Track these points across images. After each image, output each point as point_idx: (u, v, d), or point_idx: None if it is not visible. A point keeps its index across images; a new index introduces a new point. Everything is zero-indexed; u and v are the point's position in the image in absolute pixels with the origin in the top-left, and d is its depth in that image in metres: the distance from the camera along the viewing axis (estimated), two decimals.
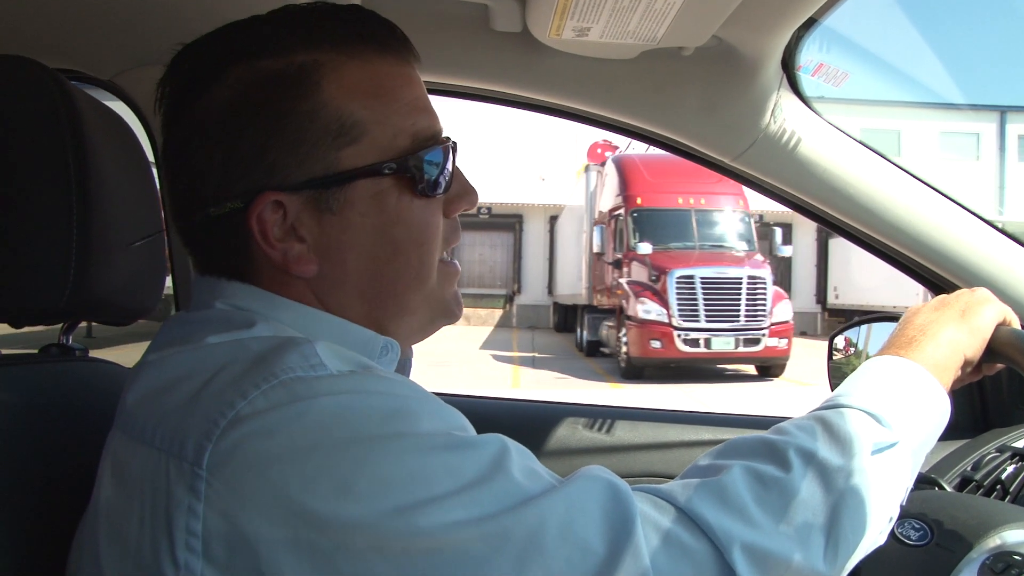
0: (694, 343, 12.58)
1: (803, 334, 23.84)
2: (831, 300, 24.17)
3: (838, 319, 23.84)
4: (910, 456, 0.78)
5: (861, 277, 21.87)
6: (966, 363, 0.87)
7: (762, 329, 12.17)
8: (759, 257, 13.53)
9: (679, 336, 12.47)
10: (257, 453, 0.60)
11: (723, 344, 12.49)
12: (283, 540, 0.58)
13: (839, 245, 23.30)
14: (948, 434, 1.58)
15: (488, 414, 1.71)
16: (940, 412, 0.82)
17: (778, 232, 15.33)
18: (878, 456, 0.74)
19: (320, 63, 0.74)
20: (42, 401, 0.87)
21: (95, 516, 0.68)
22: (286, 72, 0.73)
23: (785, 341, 12.30)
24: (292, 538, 0.58)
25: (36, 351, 1.03)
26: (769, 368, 12.87)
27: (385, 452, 0.61)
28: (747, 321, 12.43)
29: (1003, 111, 23.64)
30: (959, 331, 0.87)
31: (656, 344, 12.57)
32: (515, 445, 0.67)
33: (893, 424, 0.77)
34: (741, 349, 12.04)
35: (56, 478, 0.81)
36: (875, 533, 0.74)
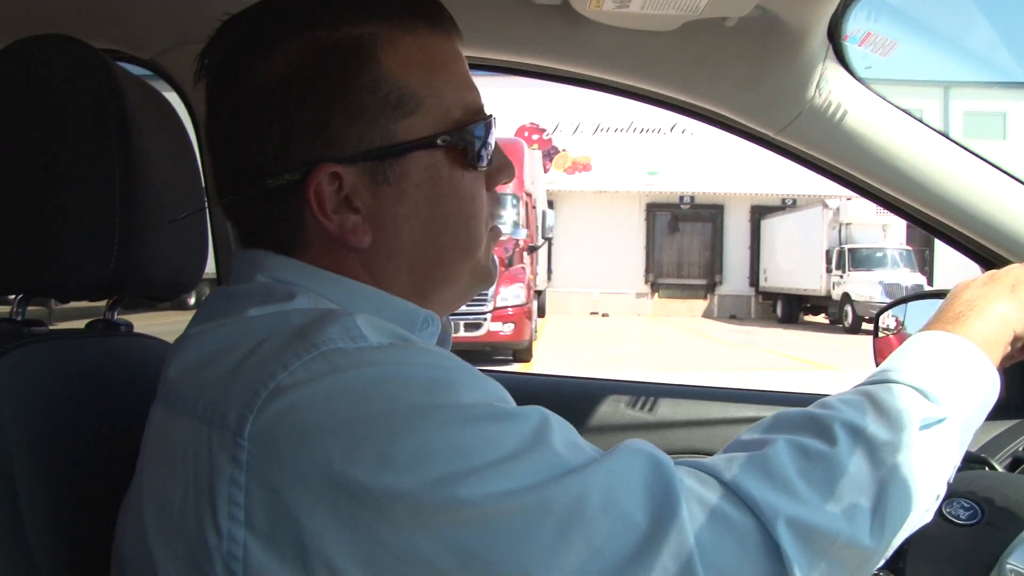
0: None
1: (732, 317, 24.06)
2: (762, 283, 24.50)
3: (769, 301, 24.16)
4: (958, 432, 0.75)
5: (783, 261, 22.02)
6: (1016, 339, 0.85)
7: (483, 314, 11.97)
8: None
9: None
10: (298, 423, 0.60)
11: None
12: (324, 510, 0.58)
13: (768, 228, 23.69)
14: (999, 413, 1.56)
15: (530, 390, 1.71)
16: (989, 388, 0.80)
17: (548, 214, 15.14)
18: (926, 432, 0.72)
19: (377, 35, 0.75)
20: (90, 374, 0.89)
21: (139, 488, 0.69)
22: (345, 43, 0.74)
23: (511, 326, 11.98)
24: (333, 508, 0.58)
25: (83, 327, 1.05)
26: (516, 353, 12.59)
27: (426, 423, 0.61)
28: (468, 305, 12.24)
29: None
30: (1009, 306, 0.85)
31: None
32: (556, 417, 0.66)
33: (941, 399, 0.75)
34: (462, 333, 11.77)
35: (103, 450, 0.83)
36: (922, 511, 0.72)
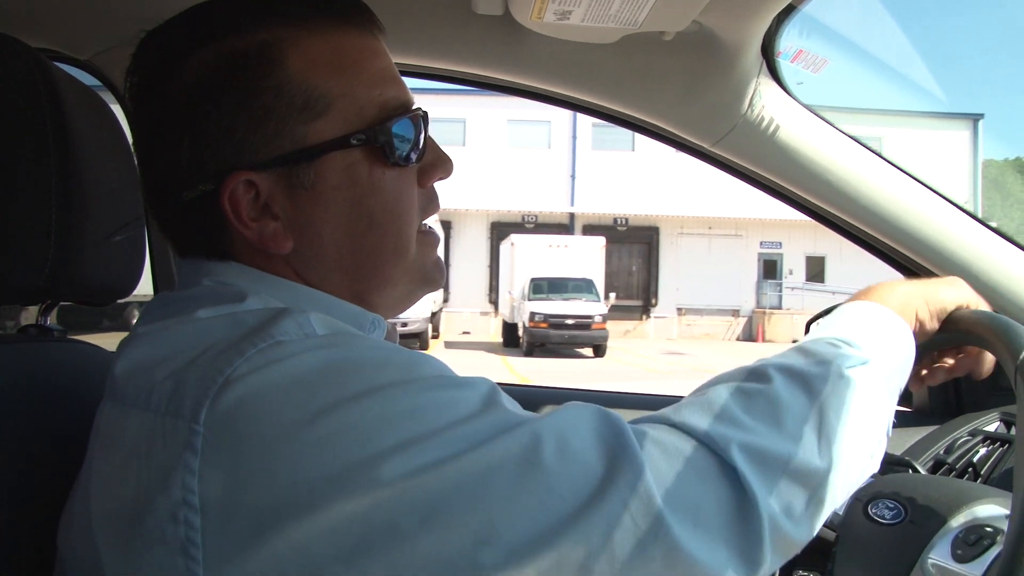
0: None
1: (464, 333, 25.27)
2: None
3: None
4: (884, 380, 0.80)
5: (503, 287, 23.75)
6: (919, 321, 0.90)
7: None
8: None
9: None
10: (253, 406, 0.60)
11: None
12: (282, 490, 0.58)
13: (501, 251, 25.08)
14: (923, 419, 1.63)
15: None
16: (904, 340, 0.85)
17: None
18: (853, 370, 0.77)
19: (280, 39, 0.74)
20: (21, 381, 0.86)
21: (86, 488, 0.68)
22: (247, 51, 0.73)
23: None
24: (291, 487, 0.58)
25: (14, 332, 1.03)
26: None
27: (381, 396, 0.62)
28: None
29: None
30: (914, 290, 0.91)
31: None
32: (501, 390, 0.68)
33: (863, 346, 0.80)
34: None
35: (36, 456, 0.81)
36: (864, 449, 0.76)
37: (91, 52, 1.45)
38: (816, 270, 28.42)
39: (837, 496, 0.73)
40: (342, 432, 0.60)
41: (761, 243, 28.31)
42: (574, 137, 27.13)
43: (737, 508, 0.66)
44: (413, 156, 0.79)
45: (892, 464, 1.34)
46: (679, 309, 27.82)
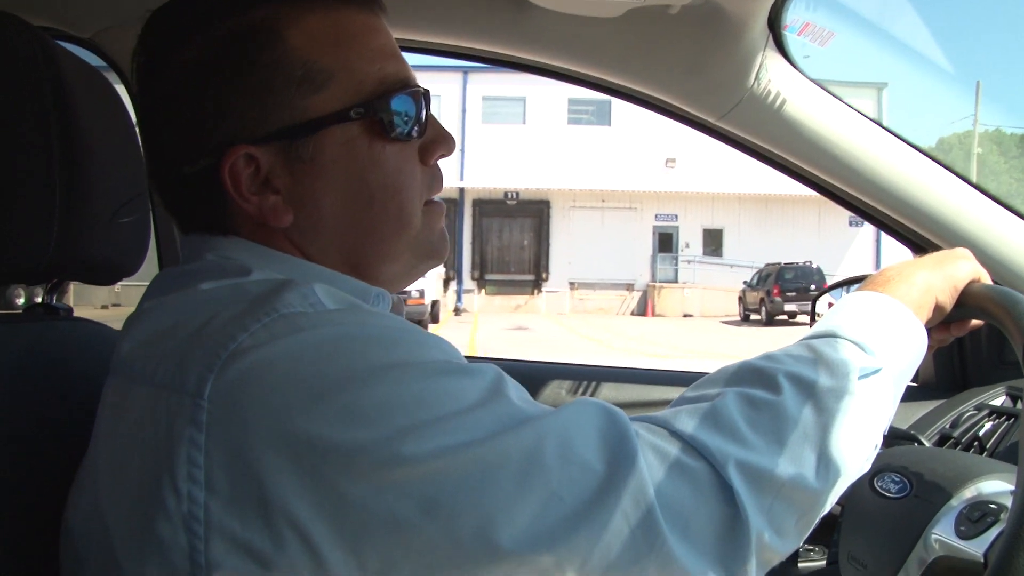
0: None
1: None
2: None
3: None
4: (892, 383, 0.80)
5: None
6: (938, 307, 0.89)
7: None
8: None
9: None
10: (260, 382, 0.60)
11: None
12: (286, 466, 0.59)
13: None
14: (929, 393, 1.63)
15: None
16: (918, 343, 0.84)
17: None
18: (864, 381, 0.76)
19: (280, 15, 0.75)
20: (28, 359, 0.87)
21: (94, 462, 0.69)
22: (247, 27, 0.74)
23: None
24: (295, 463, 0.59)
25: (20, 311, 1.03)
26: None
27: (389, 377, 0.62)
28: None
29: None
30: (933, 275, 0.89)
31: None
32: (509, 377, 0.68)
33: (877, 352, 0.79)
34: None
35: (44, 434, 0.82)
36: (862, 458, 0.76)
37: (93, 30, 1.44)
38: (714, 243, 28.66)
39: (827, 508, 0.74)
40: (346, 413, 0.60)
41: (656, 216, 28.56)
42: (464, 111, 27.16)
43: (728, 525, 0.67)
44: (414, 132, 0.79)
45: (898, 438, 1.35)
46: (571, 283, 28.11)
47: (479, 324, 21.72)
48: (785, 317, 22.77)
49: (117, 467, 0.65)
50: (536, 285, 27.99)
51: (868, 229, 27.94)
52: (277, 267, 0.75)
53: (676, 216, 28.38)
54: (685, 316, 26.32)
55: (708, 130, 1.59)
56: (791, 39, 1.45)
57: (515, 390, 0.67)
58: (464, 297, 27.22)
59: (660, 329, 21.62)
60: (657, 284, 27.59)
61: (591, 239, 27.80)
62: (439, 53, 1.55)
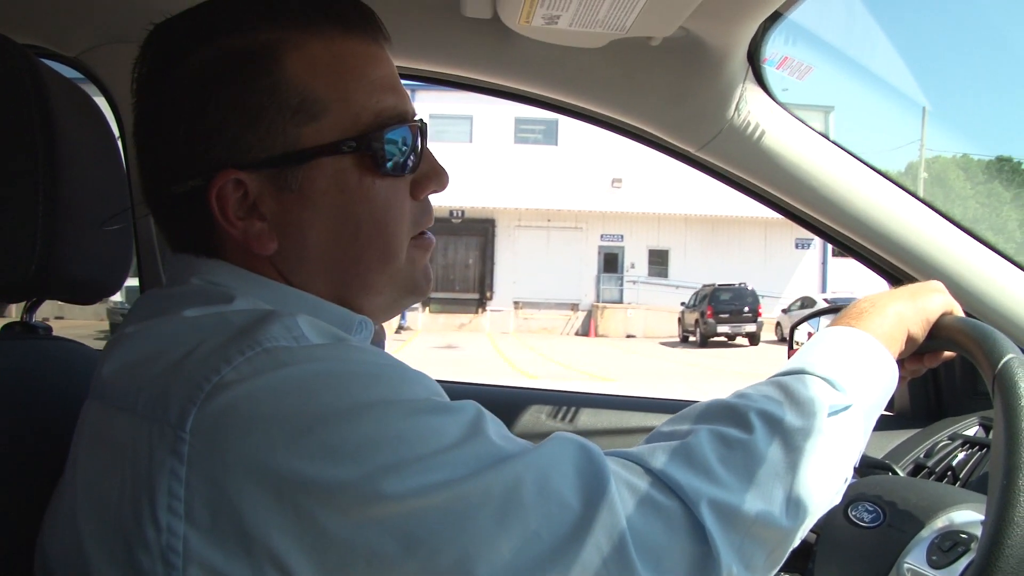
0: None
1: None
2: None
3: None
4: (862, 418, 0.81)
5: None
6: (910, 338, 0.90)
7: None
8: None
9: None
10: (242, 416, 0.60)
11: None
12: (268, 502, 0.58)
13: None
14: (904, 423, 1.64)
15: (452, 397, 1.71)
16: (889, 377, 0.86)
17: None
18: (834, 418, 0.77)
19: (282, 40, 0.74)
20: (6, 378, 0.86)
21: (72, 487, 0.68)
22: (247, 49, 0.73)
23: None
24: (277, 499, 0.58)
25: None
26: None
27: (371, 415, 0.62)
28: None
29: None
30: (905, 307, 0.90)
31: None
32: (488, 412, 0.69)
33: (847, 388, 0.80)
34: None
35: (20, 454, 0.81)
36: (832, 493, 0.77)
37: (79, 49, 1.44)
38: (660, 263, 28.76)
39: (797, 543, 0.75)
40: (328, 450, 0.60)
41: (602, 236, 28.64)
42: None
43: (700, 562, 0.68)
44: (407, 166, 0.79)
45: (873, 467, 1.36)
46: (516, 303, 28.10)
47: (411, 343, 21.72)
48: (724, 339, 22.70)
49: (95, 494, 0.64)
50: (481, 304, 27.96)
51: (815, 251, 28.10)
52: (262, 293, 0.75)
53: (622, 236, 28.47)
54: (628, 336, 26.29)
55: (689, 160, 1.61)
56: (770, 72, 1.48)
57: (494, 426, 0.68)
58: (408, 315, 26.89)
59: (592, 350, 21.66)
60: (601, 304, 27.61)
61: (536, 258, 27.83)
62: (422, 80, 1.56)
